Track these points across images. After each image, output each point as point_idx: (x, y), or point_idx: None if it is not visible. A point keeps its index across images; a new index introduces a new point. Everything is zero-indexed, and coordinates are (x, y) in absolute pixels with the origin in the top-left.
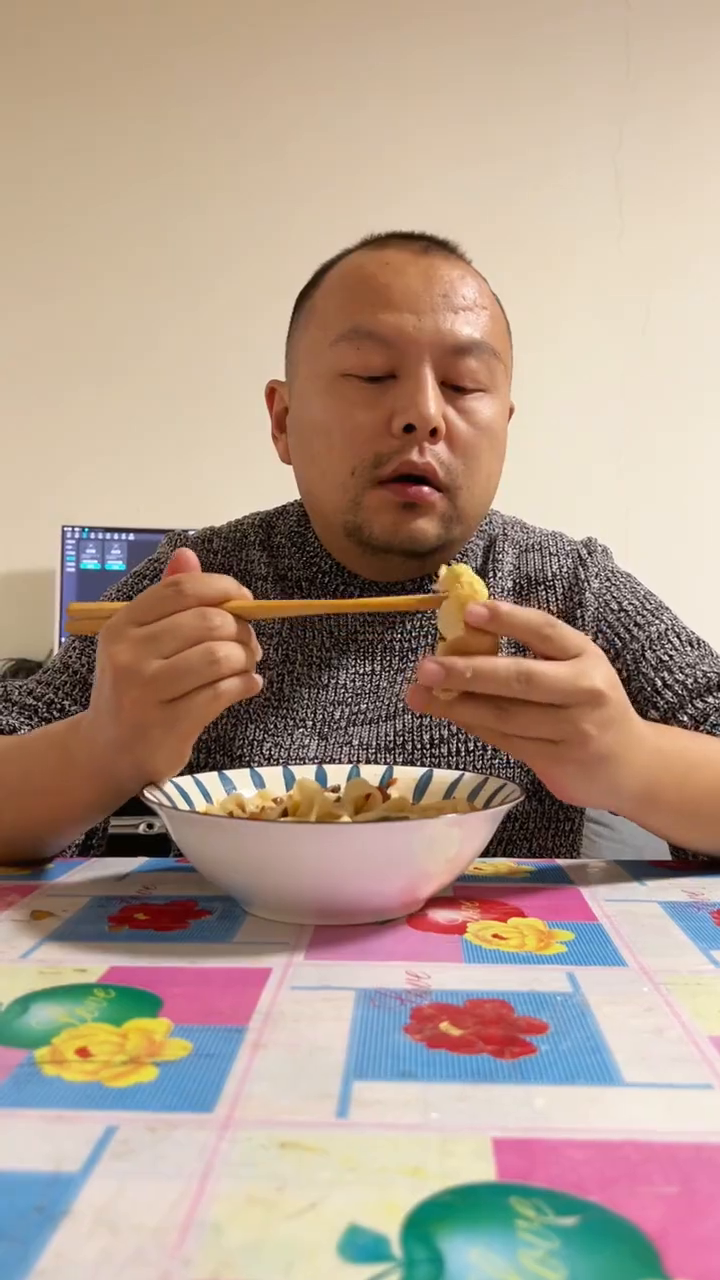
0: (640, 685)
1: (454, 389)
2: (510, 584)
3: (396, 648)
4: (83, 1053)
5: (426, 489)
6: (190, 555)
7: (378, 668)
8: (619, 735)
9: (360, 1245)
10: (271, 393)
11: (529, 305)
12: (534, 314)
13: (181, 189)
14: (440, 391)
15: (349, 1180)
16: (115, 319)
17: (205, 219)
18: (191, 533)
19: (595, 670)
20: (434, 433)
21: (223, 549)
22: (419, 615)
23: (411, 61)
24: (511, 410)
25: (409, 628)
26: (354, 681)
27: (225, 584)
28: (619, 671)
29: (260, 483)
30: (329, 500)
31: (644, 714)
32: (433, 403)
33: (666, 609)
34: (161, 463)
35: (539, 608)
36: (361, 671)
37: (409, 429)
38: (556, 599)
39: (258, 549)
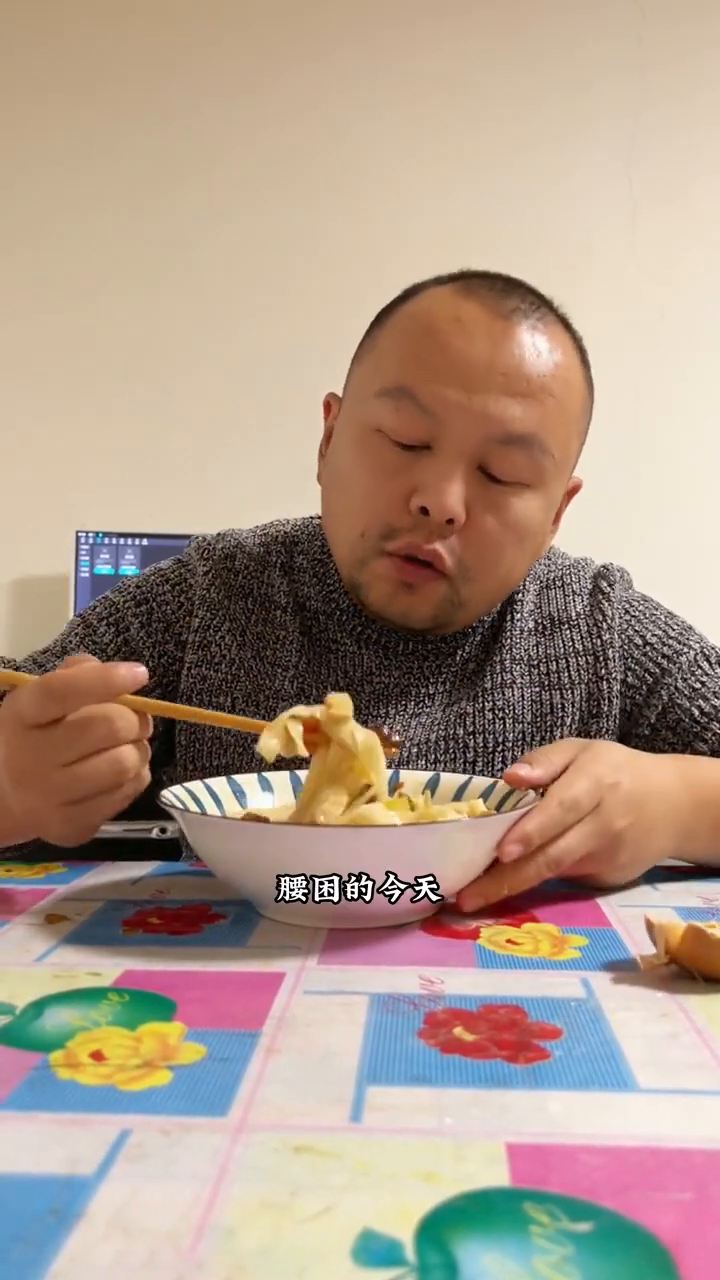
0: (678, 718)
1: (490, 477)
2: (532, 624)
3: (412, 693)
4: (97, 1056)
5: (429, 571)
6: (82, 657)
7: (392, 711)
8: (643, 810)
9: (374, 1250)
10: (328, 407)
11: None
12: None
13: (193, 195)
14: (475, 476)
15: (363, 1185)
16: (128, 325)
17: (217, 225)
18: (216, 539)
19: (594, 774)
20: (450, 522)
21: (245, 569)
22: (433, 659)
23: (420, 62)
24: (576, 488)
25: (424, 671)
26: (366, 723)
27: (101, 680)
28: (655, 707)
29: (273, 488)
30: (339, 551)
31: (690, 746)
32: (454, 494)
33: (691, 631)
34: (174, 468)
35: (563, 648)
36: (375, 714)
37: (426, 511)
38: (580, 638)
39: (279, 573)
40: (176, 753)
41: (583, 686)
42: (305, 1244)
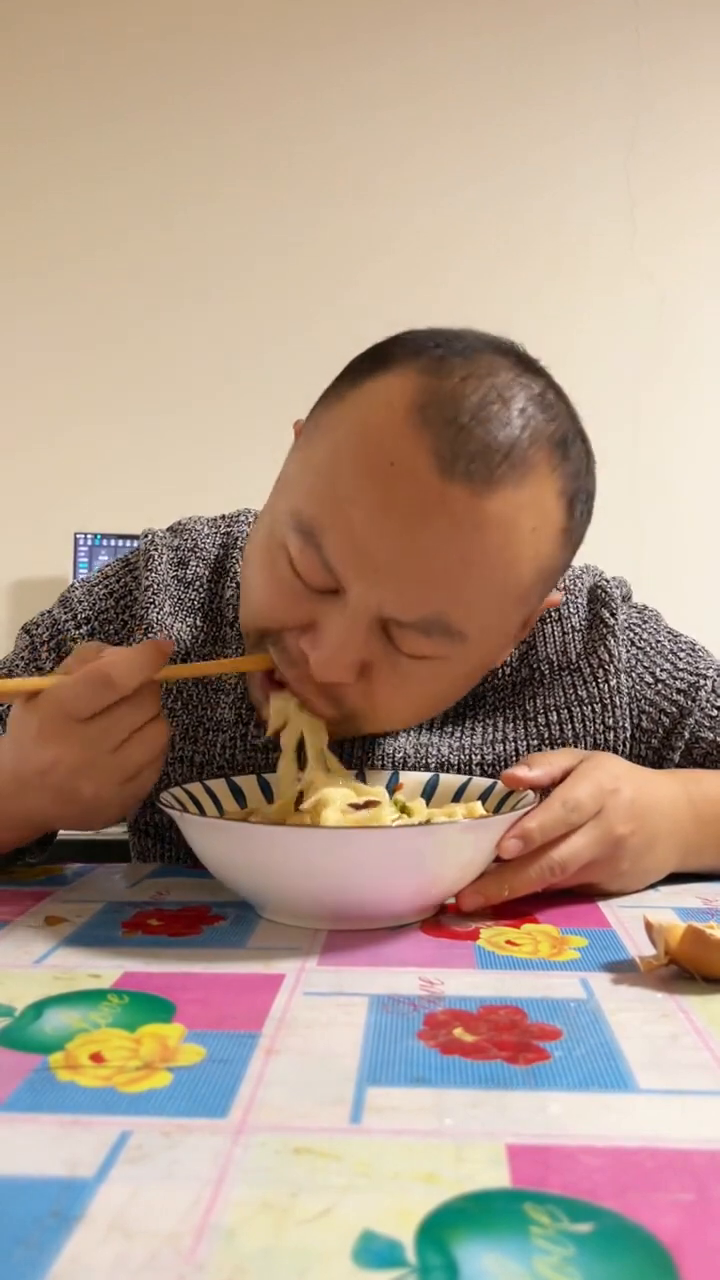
0: (705, 751)
1: (395, 645)
2: (526, 672)
3: (379, 740)
4: (96, 1058)
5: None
6: (98, 647)
7: (358, 751)
8: (645, 820)
9: (374, 1251)
10: (298, 434)
11: (540, 307)
12: (544, 316)
13: (192, 198)
14: (377, 635)
15: (363, 1186)
16: (127, 328)
17: (215, 226)
18: (172, 536)
19: (596, 779)
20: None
21: (197, 579)
22: None
23: (418, 58)
24: (553, 603)
25: None
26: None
27: (149, 660)
28: (678, 748)
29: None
30: (242, 625)
31: None
32: (341, 662)
33: (700, 654)
34: (172, 470)
35: (563, 697)
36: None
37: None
38: (584, 682)
39: (233, 583)
40: None
41: (588, 738)
42: (306, 1245)
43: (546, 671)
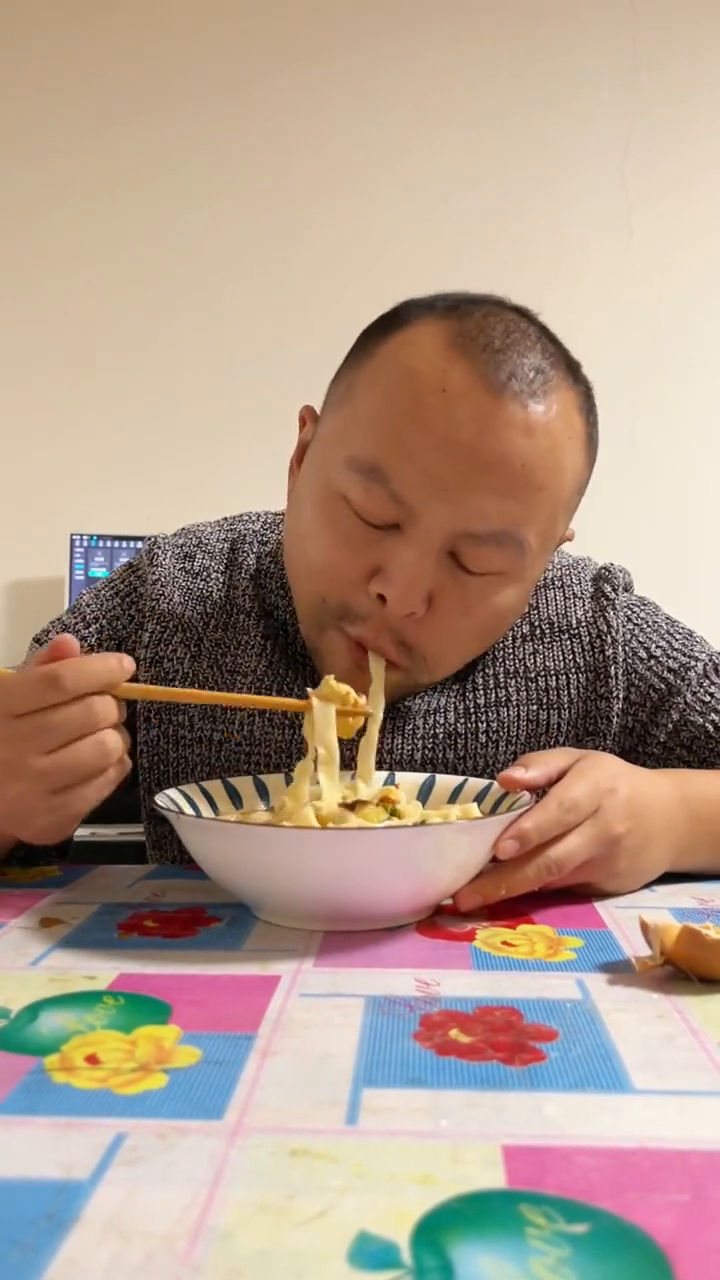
0: (693, 735)
1: (461, 566)
2: (527, 629)
3: (394, 707)
4: (92, 1060)
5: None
6: (70, 644)
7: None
8: (641, 819)
9: (370, 1252)
10: (303, 420)
11: (538, 311)
12: (542, 320)
13: (190, 201)
14: (444, 562)
15: (359, 1187)
16: (124, 329)
17: (213, 230)
18: (175, 536)
19: (592, 778)
20: (411, 614)
21: (204, 570)
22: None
23: (415, 66)
24: (568, 538)
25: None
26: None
27: (106, 668)
28: (664, 725)
29: (267, 490)
30: (298, 604)
31: (708, 762)
32: (417, 588)
33: (696, 640)
34: (169, 471)
35: (562, 661)
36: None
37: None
38: (581, 650)
39: (243, 574)
40: (139, 775)
41: (580, 704)
42: (302, 1247)
43: (547, 631)
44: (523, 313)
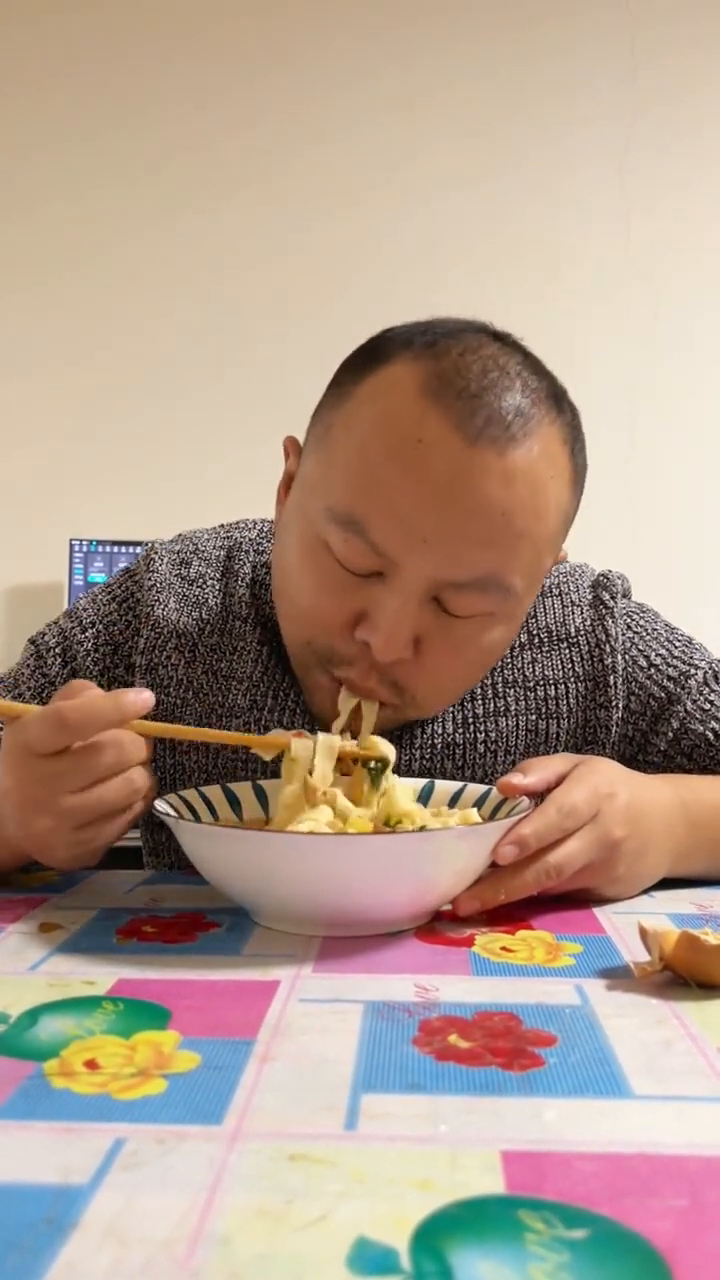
0: (693, 743)
1: (447, 610)
2: (525, 637)
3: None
4: (91, 1065)
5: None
6: (82, 686)
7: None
8: (639, 824)
9: (369, 1258)
10: (286, 452)
11: (536, 313)
12: (540, 322)
13: (190, 204)
14: (429, 607)
15: (358, 1192)
16: (124, 333)
17: (212, 233)
18: (172, 543)
19: (591, 783)
20: (396, 660)
21: (200, 576)
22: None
23: (414, 68)
24: (560, 560)
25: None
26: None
27: (115, 707)
28: (665, 734)
29: (268, 496)
30: (286, 640)
31: (708, 770)
32: (401, 634)
33: (696, 647)
34: (168, 476)
35: (561, 670)
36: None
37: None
38: (580, 659)
39: (240, 581)
40: None
41: (580, 714)
42: (301, 1252)
43: (545, 639)
44: (504, 342)
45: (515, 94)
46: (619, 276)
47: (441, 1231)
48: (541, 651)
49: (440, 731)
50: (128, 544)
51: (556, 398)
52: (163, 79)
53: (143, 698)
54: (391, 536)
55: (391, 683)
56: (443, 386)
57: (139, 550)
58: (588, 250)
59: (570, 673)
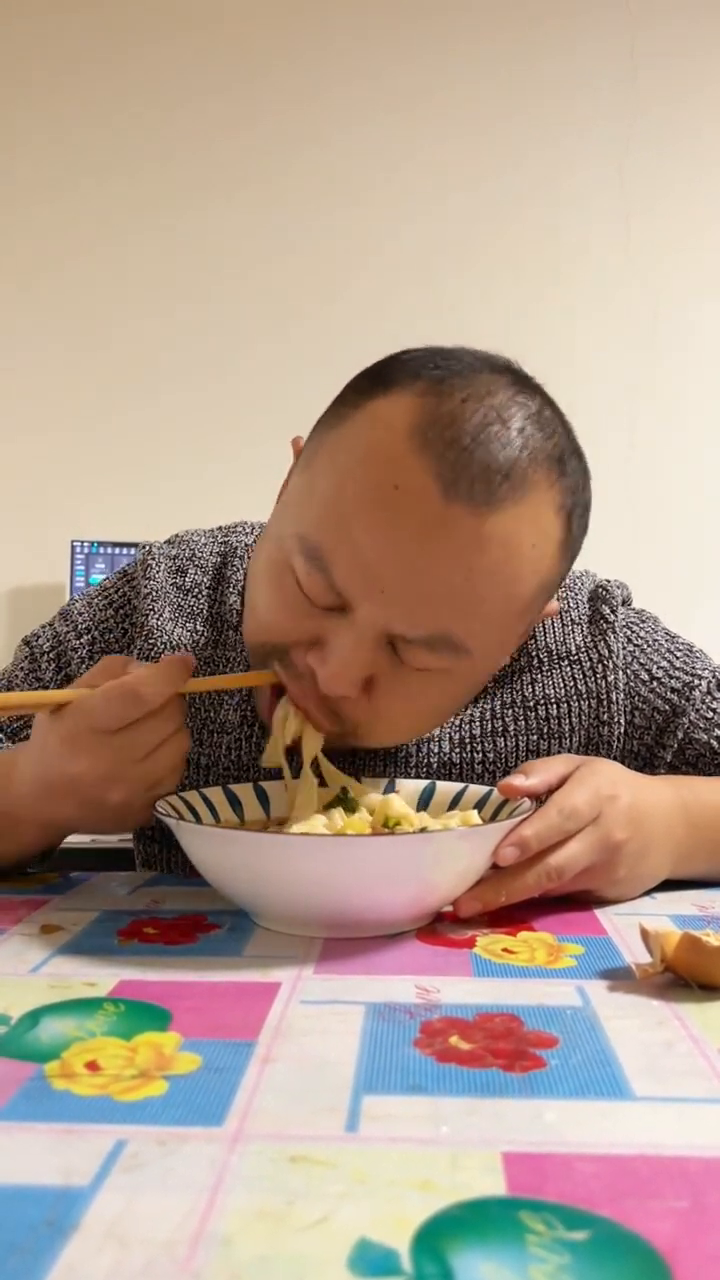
0: (698, 752)
1: (401, 659)
2: (524, 660)
3: None
4: (92, 1066)
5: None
6: (120, 662)
7: (364, 754)
8: (640, 825)
9: (370, 1259)
10: (294, 448)
11: (536, 314)
12: (540, 323)
13: (188, 204)
14: (384, 650)
15: (359, 1194)
16: (124, 335)
17: (212, 233)
18: (169, 547)
19: (593, 785)
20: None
21: (196, 586)
22: None
23: (413, 69)
24: (549, 613)
25: None
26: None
27: (175, 673)
28: (670, 746)
29: (269, 497)
30: (246, 635)
31: (714, 776)
32: (349, 675)
33: (698, 656)
34: (169, 476)
35: (562, 689)
36: (344, 759)
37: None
38: (582, 677)
39: (234, 591)
40: None
41: (582, 732)
42: (302, 1253)
43: (545, 659)
44: (521, 388)
45: (515, 94)
46: (619, 276)
47: (443, 1233)
48: (541, 672)
49: (437, 751)
50: (129, 545)
51: (562, 459)
52: (162, 78)
53: (189, 659)
54: (352, 580)
55: (332, 711)
56: (435, 432)
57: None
58: (588, 250)
59: (572, 691)
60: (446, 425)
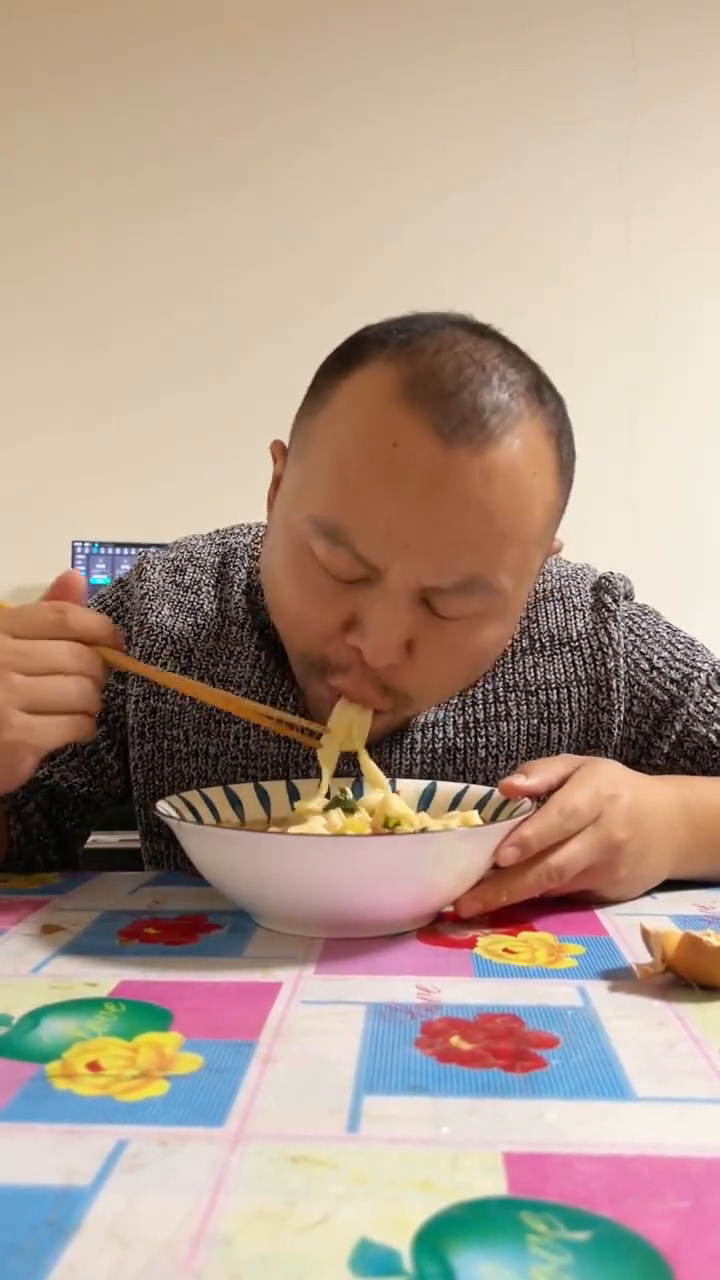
0: (696, 745)
1: (437, 613)
2: (526, 642)
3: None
4: (93, 1067)
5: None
6: (77, 581)
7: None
8: (641, 825)
9: (371, 1259)
10: (275, 456)
11: (536, 314)
12: (540, 323)
13: (188, 205)
14: (420, 609)
15: (360, 1194)
16: (124, 336)
17: (212, 233)
18: (167, 551)
19: (593, 785)
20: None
21: (195, 583)
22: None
23: (413, 69)
24: (555, 550)
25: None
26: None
27: (103, 627)
28: (668, 737)
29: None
30: (287, 648)
31: (710, 772)
32: (393, 638)
33: (698, 649)
34: (170, 477)
35: (563, 674)
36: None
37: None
38: (582, 663)
39: (236, 588)
40: (134, 791)
41: (581, 718)
42: (303, 1253)
43: (547, 644)
44: (482, 335)
45: (515, 94)
46: (619, 276)
47: (444, 1233)
48: (543, 656)
49: (441, 736)
50: (129, 545)
51: (538, 389)
52: (162, 78)
53: (120, 634)
54: (374, 545)
55: (385, 687)
56: (418, 387)
57: (140, 553)
58: (588, 250)
59: (572, 677)
60: (428, 379)
